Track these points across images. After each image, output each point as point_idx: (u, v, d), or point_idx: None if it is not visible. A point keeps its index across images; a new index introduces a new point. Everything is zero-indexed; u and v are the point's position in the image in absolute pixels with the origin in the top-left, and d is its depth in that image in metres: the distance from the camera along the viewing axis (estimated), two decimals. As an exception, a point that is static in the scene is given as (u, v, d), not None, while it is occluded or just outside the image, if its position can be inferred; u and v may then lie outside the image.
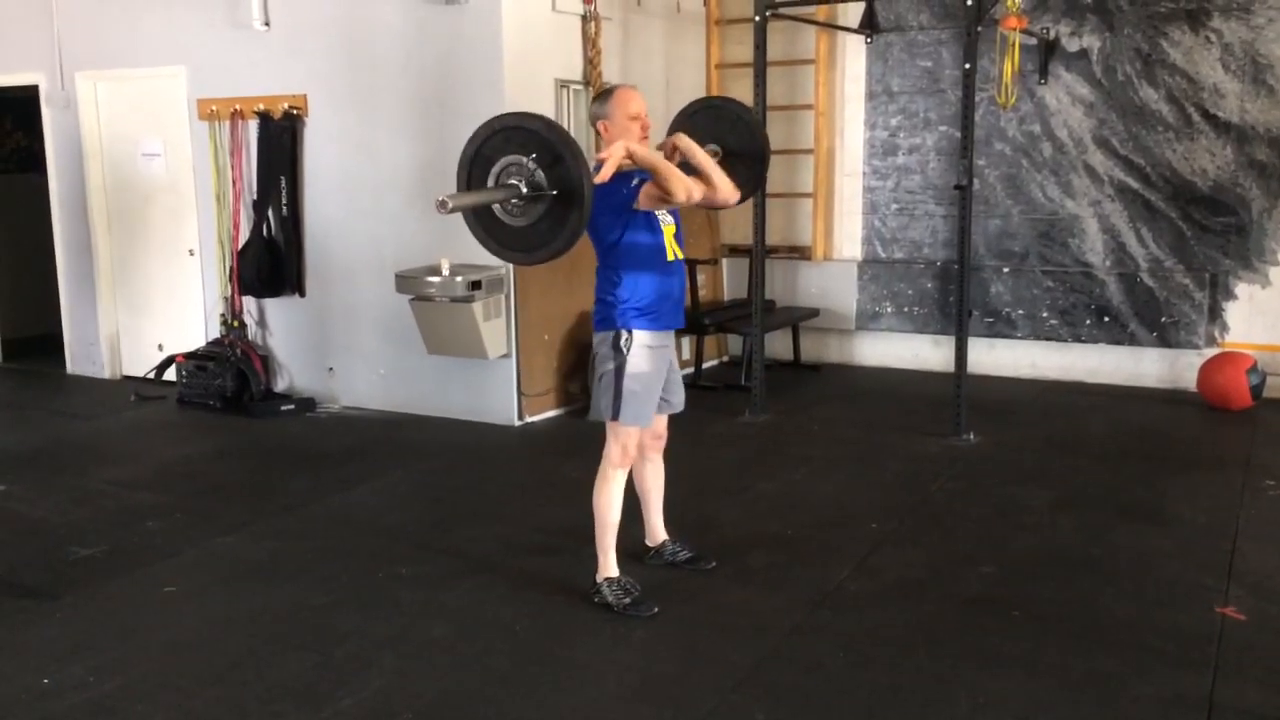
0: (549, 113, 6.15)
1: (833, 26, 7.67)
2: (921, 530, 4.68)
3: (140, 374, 7.68)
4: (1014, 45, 6.21)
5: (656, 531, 4.27)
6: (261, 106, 6.87)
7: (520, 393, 6.45)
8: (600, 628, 3.75)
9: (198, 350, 7.21)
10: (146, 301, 7.84)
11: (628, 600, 3.83)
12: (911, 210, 7.76)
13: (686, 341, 7.65)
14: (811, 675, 3.40)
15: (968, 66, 5.80)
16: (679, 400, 4.06)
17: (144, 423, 6.90)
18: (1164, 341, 7.07)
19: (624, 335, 3.78)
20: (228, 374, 6.97)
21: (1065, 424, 6.40)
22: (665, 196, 3.63)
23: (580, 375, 6.75)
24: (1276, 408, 6.55)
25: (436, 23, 6.30)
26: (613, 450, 3.86)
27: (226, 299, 7.22)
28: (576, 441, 5.88)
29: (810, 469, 5.61)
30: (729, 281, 8.40)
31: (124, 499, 5.27)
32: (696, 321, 7.27)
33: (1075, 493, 5.13)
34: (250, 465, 5.89)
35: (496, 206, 3.48)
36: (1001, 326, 7.46)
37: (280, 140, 6.83)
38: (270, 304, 7.17)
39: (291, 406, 6.91)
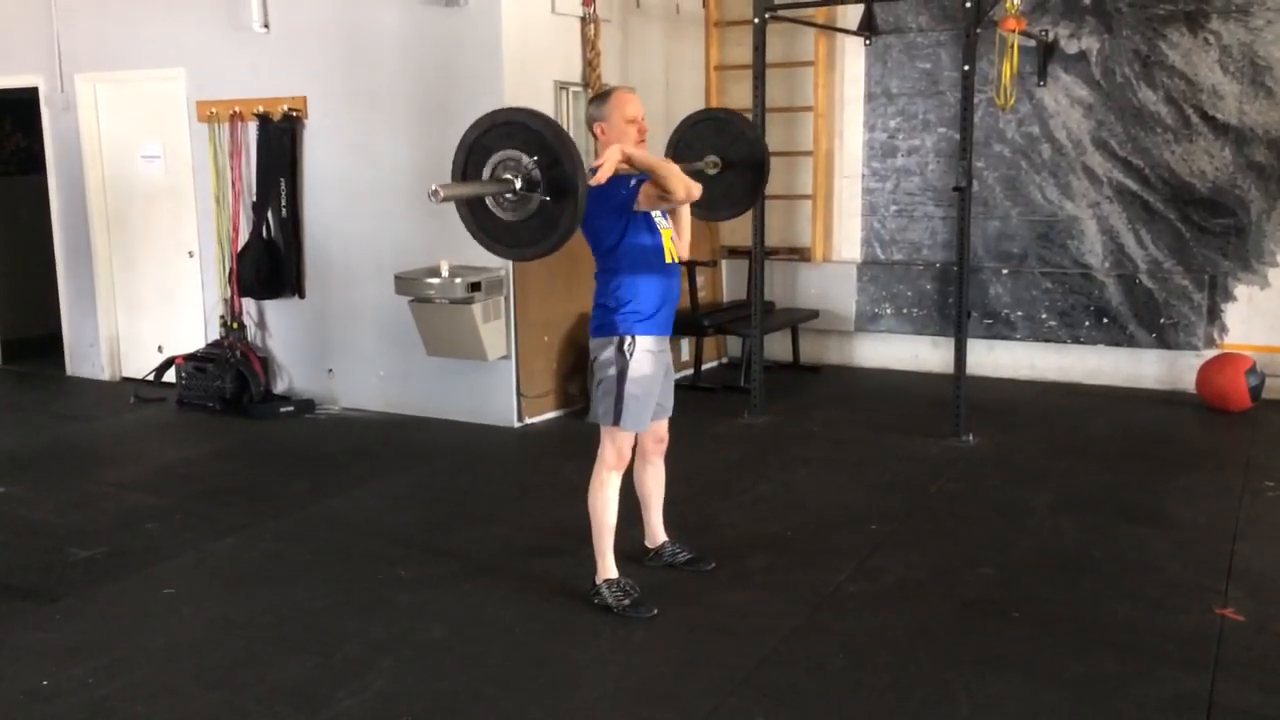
0: (548, 114, 6.14)
1: (832, 28, 7.67)
2: (921, 532, 4.68)
3: (140, 376, 7.67)
4: (1013, 47, 6.21)
5: (656, 533, 4.27)
6: (261, 108, 6.87)
7: (520, 394, 6.45)
8: (600, 629, 3.75)
9: (197, 352, 7.21)
10: (146, 303, 7.83)
11: (627, 602, 3.83)
12: (911, 212, 7.77)
13: (686, 343, 7.66)
14: (811, 677, 3.40)
15: (966, 68, 5.80)
16: (669, 403, 4.07)
17: (143, 424, 6.90)
18: (1163, 343, 7.07)
19: (627, 340, 3.77)
20: (227, 376, 6.97)
21: (1065, 425, 6.40)
22: (665, 195, 3.63)
23: (580, 377, 6.75)
24: (1275, 409, 6.55)
25: (436, 25, 6.31)
26: (608, 453, 3.86)
27: (226, 300, 7.22)
28: (576, 443, 5.87)
29: (810, 470, 5.61)
30: (728, 283, 8.41)
31: (123, 501, 5.27)
32: (696, 323, 7.28)
33: (1075, 494, 5.13)
34: (250, 467, 5.89)
35: (490, 199, 3.49)
36: (1001, 328, 7.47)
37: (280, 142, 6.84)
38: (270, 305, 7.17)
39: (291, 408, 6.91)
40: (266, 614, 3.94)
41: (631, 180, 3.68)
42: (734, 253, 8.20)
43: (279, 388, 7.22)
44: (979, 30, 5.82)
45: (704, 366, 7.74)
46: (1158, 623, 3.72)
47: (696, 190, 3.71)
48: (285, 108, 6.80)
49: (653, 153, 3.79)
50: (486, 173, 3.47)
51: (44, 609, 4.01)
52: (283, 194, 6.88)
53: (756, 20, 6.32)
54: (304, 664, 3.53)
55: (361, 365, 6.91)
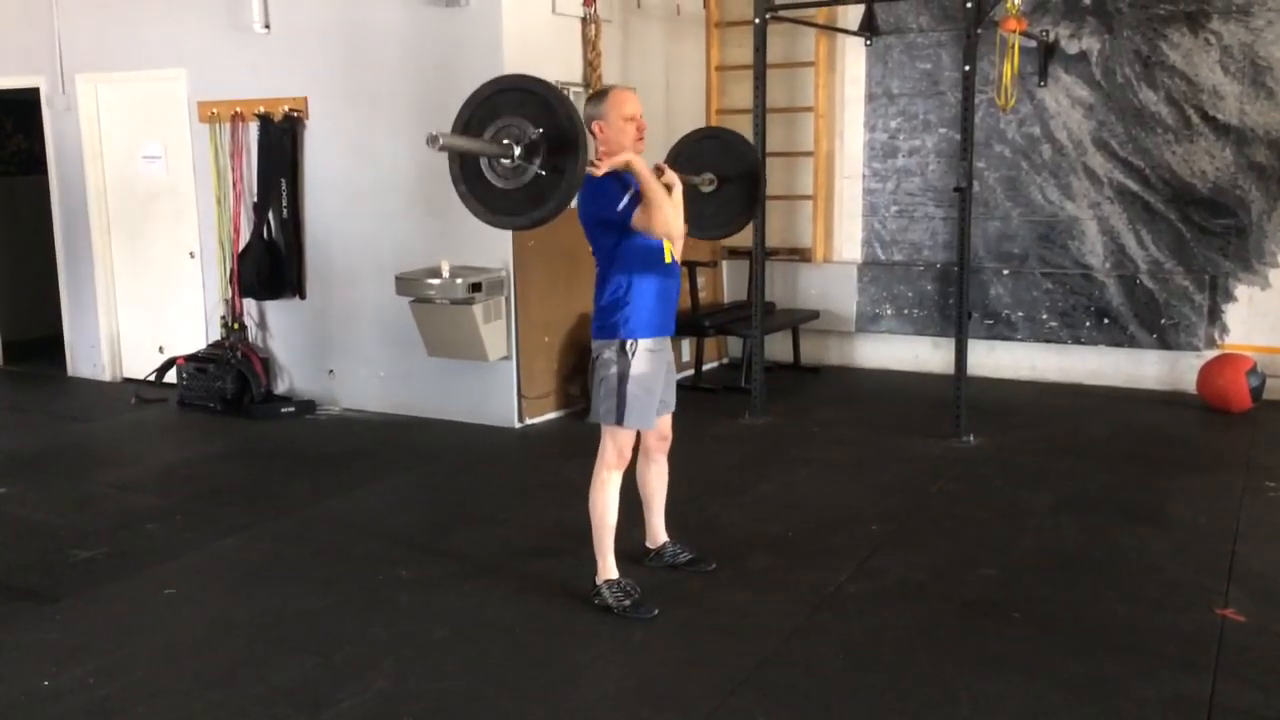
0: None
1: (832, 29, 7.67)
2: (922, 532, 4.68)
3: (141, 376, 7.68)
4: (1013, 47, 6.21)
5: (657, 533, 4.27)
6: (262, 109, 6.87)
7: (520, 395, 6.45)
8: (600, 630, 3.75)
9: (198, 352, 7.21)
10: (147, 304, 7.84)
11: (628, 602, 3.83)
12: (911, 212, 7.77)
13: (686, 343, 7.66)
14: (812, 677, 3.40)
15: (967, 69, 5.80)
16: (672, 400, 4.08)
17: (144, 425, 6.91)
18: (1164, 343, 7.07)
19: (628, 343, 3.78)
20: (228, 376, 6.97)
21: (1065, 426, 6.40)
22: (647, 227, 3.64)
23: (580, 377, 6.75)
24: (1276, 409, 6.55)
25: (437, 25, 6.31)
26: (609, 453, 3.86)
27: (227, 301, 7.23)
28: (577, 443, 5.88)
29: (810, 471, 5.61)
30: (729, 283, 8.41)
31: (124, 501, 5.27)
32: (696, 323, 7.28)
33: (1075, 494, 5.13)
34: (250, 468, 5.89)
35: (484, 162, 3.49)
36: (1001, 328, 7.47)
37: (280, 143, 6.84)
38: (270, 306, 7.17)
39: (292, 409, 6.91)
40: (267, 614, 3.94)
41: (628, 193, 3.67)
42: (734, 253, 8.20)
43: (280, 388, 7.22)
44: (980, 31, 5.82)
45: (704, 367, 7.74)
46: (1158, 623, 3.72)
47: (676, 231, 3.70)
48: (286, 108, 6.80)
49: (653, 154, 3.80)
50: (489, 133, 3.46)
51: (44, 609, 4.01)
52: (283, 194, 6.89)
53: (757, 21, 6.32)
54: (304, 664, 3.53)
55: (362, 366, 6.91)
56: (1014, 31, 6.09)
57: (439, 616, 3.89)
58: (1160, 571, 4.19)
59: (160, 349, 7.68)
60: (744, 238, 6.62)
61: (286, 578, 4.28)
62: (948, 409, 6.10)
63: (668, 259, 3.84)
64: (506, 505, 5.16)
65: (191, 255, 7.47)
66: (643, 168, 3.63)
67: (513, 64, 6.17)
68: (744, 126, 6.41)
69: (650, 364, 3.82)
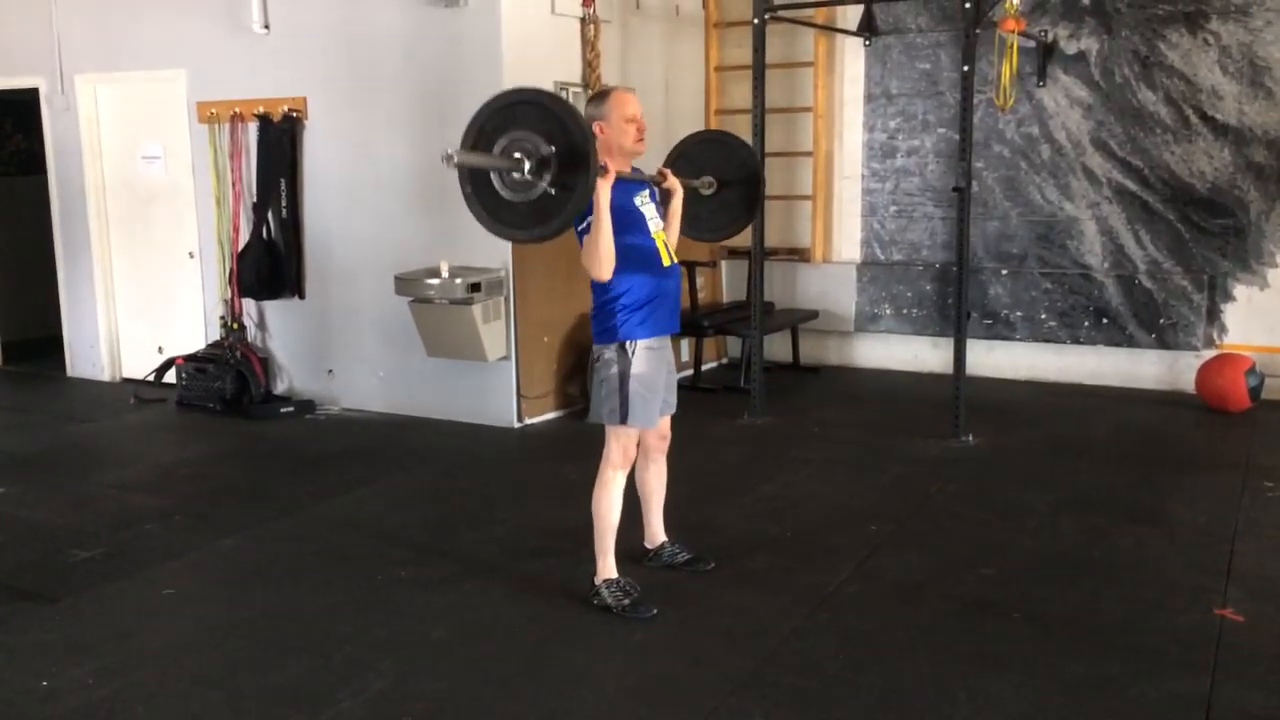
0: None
1: (831, 29, 7.68)
2: (921, 532, 4.69)
3: (140, 376, 7.68)
4: (1012, 48, 6.21)
5: (656, 533, 4.27)
6: (261, 109, 6.87)
7: (519, 395, 6.45)
8: (599, 630, 3.75)
9: (197, 353, 7.21)
10: (146, 304, 7.84)
11: (627, 602, 3.83)
12: (910, 212, 7.77)
13: (686, 344, 7.66)
14: (811, 677, 3.40)
15: (966, 69, 5.80)
16: (673, 399, 4.08)
17: (144, 425, 6.91)
18: (1162, 343, 7.08)
19: (627, 343, 3.79)
20: (227, 376, 6.97)
21: (1064, 426, 6.40)
22: (583, 256, 3.66)
23: (579, 377, 6.75)
24: (1275, 409, 6.56)
25: (436, 25, 6.31)
26: (613, 452, 3.87)
27: (226, 301, 7.23)
28: (576, 444, 5.88)
29: (809, 471, 5.61)
30: (728, 283, 8.41)
31: (123, 501, 5.27)
32: (695, 324, 7.28)
33: (1074, 494, 5.13)
34: (250, 468, 5.89)
35: (500, 185, 3.49)
36: (1000, 328, 7.47)
37: (280, 143, 6.84)
38: (270, 306, 7.17)
39: (291, 409, 6.91)
40: (266, 615, 3.94)
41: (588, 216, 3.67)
42: (734, 253, 8.20)
43: (279, 388, 7.22)
44: (978, 31, 5.82)
45: (704, 367, 7.74)
46: (1157, 623, 3.72)
47: (595, 273, 3.67)
48: (285, 108, 6.81)
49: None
50: (502, 141, 3.46)
51: (44, 610, 4.01)
52: (283, 194, 6.89)
53: (756, 21, 6.32)
54: (304, 665, 3.53)
55: (361, 366, 6.91)
56: (1013, 32, 6.09)
57: (438, 616, 3.89)
58: (1159, 571, 4.19)
59: (159, 349, 7.68)
60: (743, 238, 6.62)
61: (285, 578, 4.28)
62: (947, 409, 6.10)
63: (666, 262, 3.85)
64: (506, 505, 5.16)
65: (191, 255, 7.47)
66: (606, 192, 3.60)
67: (512, 64, 6.18)
68: (743, 127, 6.42)
69: (651, 362, 3.82)
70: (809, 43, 7.80)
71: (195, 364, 7.10)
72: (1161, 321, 7.04)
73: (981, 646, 3.58)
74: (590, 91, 6.67)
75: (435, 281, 6.12)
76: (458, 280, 6.07)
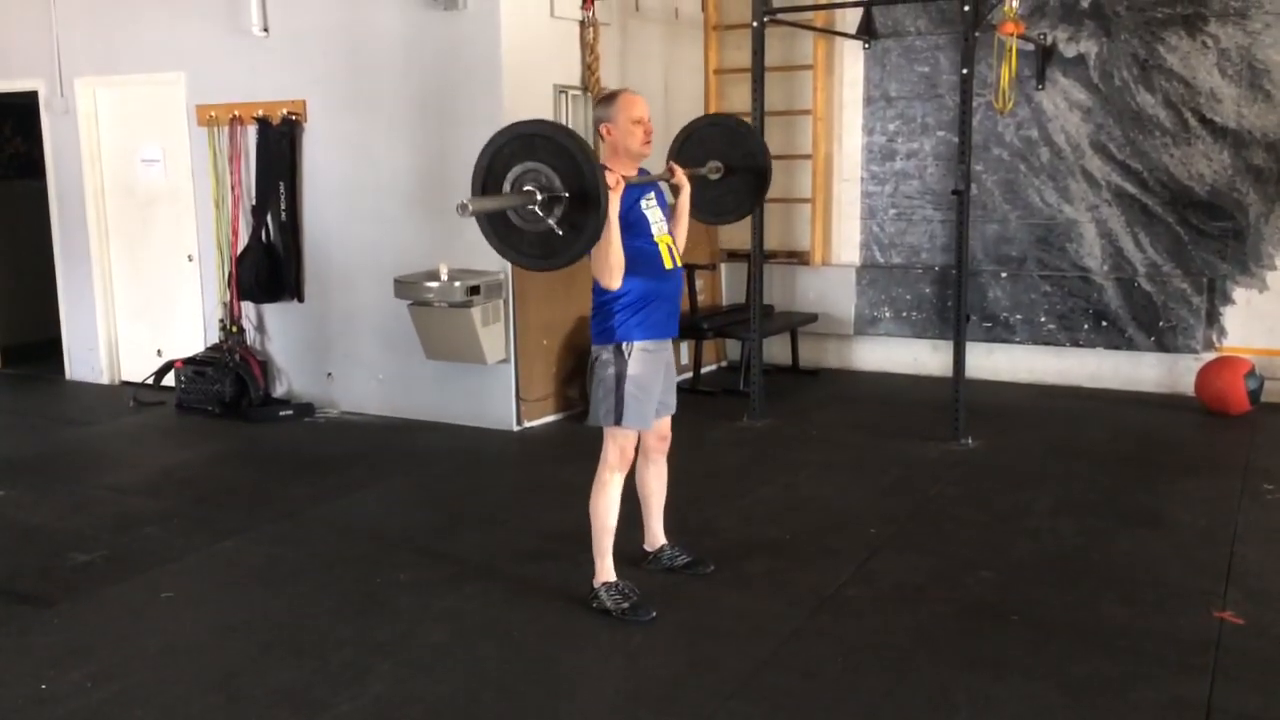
0: (547, 118, 6.15)
1: (831, 32, 7.68)
2: (920, 535, 4.69)
3: (139, 379, 7.67)
4: (1011, 50, 6.21)
5: (655, 536, 4.27)
6: (260, 112, 6.87)
7: (519, 398, 6.45)
8: (598, 633, 3.75)
9: (196, 355, 7.21)
10: (145, 307, 7.84)
11: (626, 605, 3.83)
12: (909, 215, 7.77)
13: (685, 346, 7.66)
14: (810, 680, 3.40)
15: (965, 72, 5.81)
16: (673, 401, 4.08)
17: (142, 428, 6.90)
18: (1162, 346, 7.08)
19: (624, 345, 3.79)
20: (226, 379, 6.97)
21: (1063, 429, 6.40)
22: (592, 262, 3.65)
23: (579, 380, 6.75)
24: (1274, 412, 6.56)
25: (435, 28, 6.31)
26: (611, 454, 3.87)
27: (225, 304, 7.22)
28: (575, 446, 5.88)
29: (809, 474, 5.61)
30: (727, 286, 8.41)
31: (122, 504, 5.27)
32: (695, 326, 7.28)
33: (1074, 497, 5.13)
34: (249, 471, 5.89)
35: (512, 212, 3.49)
36: (1000, 331, 7.47)
37: (279, 146, 6.84)
38: (269, 309, 7.17)
39: (290, 412, 6.91)
40: (265, 618, 3.93)
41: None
42: (733, 256, 8.21)
43: (278, 391, 7.22)
44: (977, 34, 5.82)
45: (703, 370, 7.74)
46: (1156, 626, 3.72)
47: (605, 279, 3.68)
48: (285, 111, 6.81)
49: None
50: (516, 170, 3.46)
51: (42, 613, 4.01)
52: (282, 197, 6.89)
53: (755, 24, 6.32)
54: (302, 668, 3.53)
55: (361, 369, 6.91)
56: (1012, 35, 6.09)
57: (437, 619, 3.89)
58: (1158, 574, 4.19)
59: (159, 352, 7.67)
60: (743, 240, 6.64)
61: (285, 581, 4.28)
62: (946, 411, 6.10)
63: (667, 265, 3.85)
64: (505, 508, 5.16)
65: (190, 258, 7.47)
66: (614, 211, 3.57)
67: (511, 68, 6.19)
68: (742, 129, 6.42)
69: (647, 365, 3.82)
70: (808, 46, 7.80)
71: (194, 367, 7.10)
72: (1161, 324, 7.04)
73: (980, 648, 3.58)
74: (591, 95, 6.69)
75: (434, 284, 6.12)
76: (457, 283, 6.06)
